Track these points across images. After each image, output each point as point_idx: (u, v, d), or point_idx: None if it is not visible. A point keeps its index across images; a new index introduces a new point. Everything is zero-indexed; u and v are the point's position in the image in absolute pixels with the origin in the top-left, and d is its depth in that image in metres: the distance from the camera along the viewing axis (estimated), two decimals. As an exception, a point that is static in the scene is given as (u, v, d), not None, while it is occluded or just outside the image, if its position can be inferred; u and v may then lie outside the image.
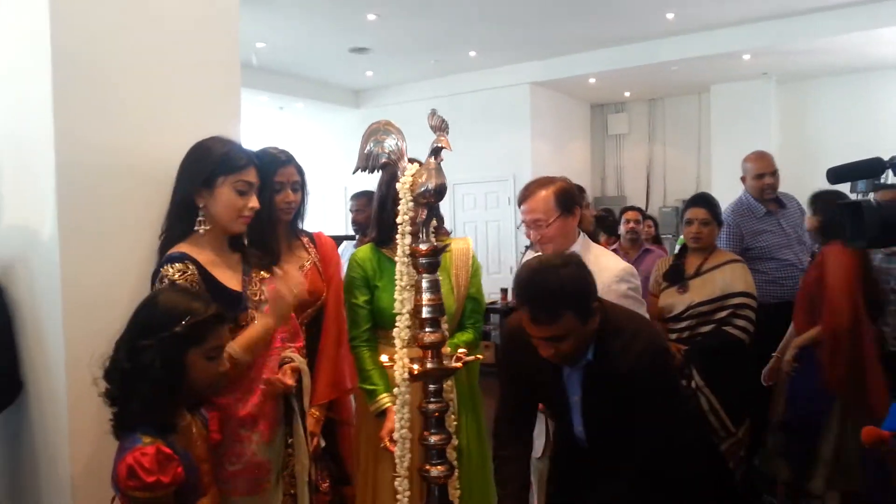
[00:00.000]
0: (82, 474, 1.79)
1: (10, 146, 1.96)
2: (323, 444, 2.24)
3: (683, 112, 8.32)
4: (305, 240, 2.40)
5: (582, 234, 2.40)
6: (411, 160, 1.70)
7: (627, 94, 8.33)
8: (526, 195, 2.37)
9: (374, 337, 2.33)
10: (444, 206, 4.46)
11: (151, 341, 1.45)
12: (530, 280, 1.73)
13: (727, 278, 2.99)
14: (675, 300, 3.05)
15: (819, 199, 3.20)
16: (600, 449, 1.94)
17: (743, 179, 3.73)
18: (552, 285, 1.70)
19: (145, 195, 1.94)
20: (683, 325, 3.00)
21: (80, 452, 1.79)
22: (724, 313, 2.93)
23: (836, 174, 1.64)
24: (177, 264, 1.74)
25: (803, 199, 3.41)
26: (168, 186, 1.85)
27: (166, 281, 1.71)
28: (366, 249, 2.36)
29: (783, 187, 3.72)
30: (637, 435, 1.85)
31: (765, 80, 7.39)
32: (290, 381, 1.88)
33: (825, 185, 1.94)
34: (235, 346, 1.76)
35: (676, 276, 3.11)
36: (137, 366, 1.44)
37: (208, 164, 1.81)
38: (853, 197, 1.53)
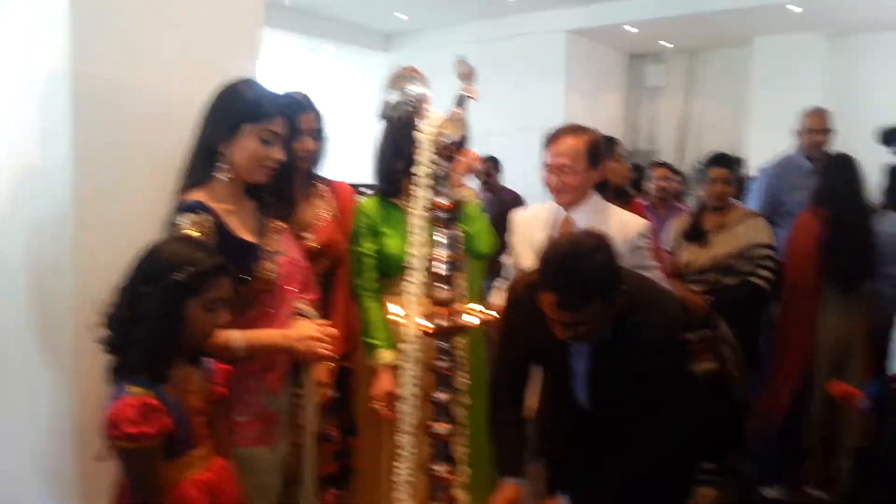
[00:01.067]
0: (88, 421, 1.77)
1: (25, 83, 1.91)
2: (334, 395, 2.24)
3: (725, 66, 7.98)
4: (324, 188, 2.35)
5: (594, 192, 2.32)
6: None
7: (667, 44, 8.03)
8: (556, 139, 2.28)
9: (379, 286, 2.29)
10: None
11: (151, 289, 1.43)
12: (562, 265, 1.64)
13: (749, 231, 3.12)
14: (697, 255, 3.14)
15: (825, 161, 3.25)
16: (603, 414, 1.91)
17: (797, 134, 3.69)
18: (586, 274, 1.62)
19: (162, 134, 1.89)
20: (708, 277, 3.10)
21: (87, 398, 1.78)
22: (749, 266, 3.06)
23: (887, 135, 1.53)
24: (191, 214, 1.69)
25: None
26: (184, 126, 1.79)
27: (178, 230, 1.67)
28: (371, 199, 2.31)
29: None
30: (642, 405, 1.82)
31: (814, 34, 7.04)
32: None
33: (873, 146, 1.84)
34: (240, 338, 1.71)
35: (697, 234, 3.17)
36: (136, 313, 1.43)
37: (235, 110, 1.74)
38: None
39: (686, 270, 3.17)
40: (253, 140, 1.75)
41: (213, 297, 1.51)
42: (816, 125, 3.62)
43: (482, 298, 2.44)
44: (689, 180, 7.77)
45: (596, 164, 2.26)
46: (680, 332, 1.85)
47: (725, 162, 3.24)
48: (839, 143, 3.63)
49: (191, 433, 1.52)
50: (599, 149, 2.29)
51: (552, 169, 2.27)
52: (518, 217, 2.48)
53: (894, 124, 1.46)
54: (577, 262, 1.63)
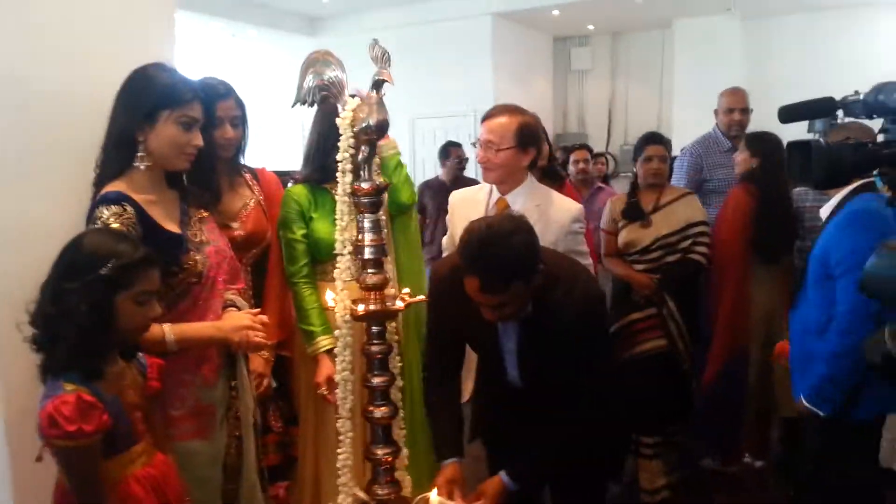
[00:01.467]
0: (16, 421, 1.73)
1: None
2: (274, 384, 2.22)
3: (647, 48, 8.20)
4: (248, 176, 2.31)
5: (530, 176, 2.35)
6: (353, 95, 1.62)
7: (591, 27, 8.17)
8: (490, 115, 2.31)
9: (312, 272, 2.28)
10: (403, 142, 4.36)
11: (76, 284, 1.39)
12: (481, 251, 1.66)
13: (687, 210, 3.21)
14: (639, 235, 3.19)
15: (755, 139, 3.34)
16: (535, 391, 1.96)
17: (716, 112, 3.82)
18: (505, 257, 1.65)
19: (73, 126, 1.81)
20: (652, 255, 3.18)
21: (14, 397, 1.72)
22: (687, 242, 3.17)
23: (787, 112, 1.61)
24: (113, 206, 1.63)
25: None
26: (98, 115, 1.72)
27: (99, 223, 1.61)
28: (300, 186, 2.29)
29: (749, 125, 3.77)
30: (570, 377, 1.88)
31: (729, 15, 7.29)
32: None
33: (786, 126, 1.92)
34: (172, 332, 1.68)
35: (637, 213, 3.22)
36: (62, 309, 1.38)
37: (151, 96, 1.68)
38: (811, 137, 1.51)
39: (628, 250, 3.23)
40: (171, 126, 1.70)
41: (143, 290, 1.47)
42: (734, 104, 3.75)
43: (422, 279, 2.45)
44: (617, 161, 7.99)
45: (525, 147, 2.27)
46: (599, 305, 1.91)
47: (660, 139, 3.31)
48: (757, 122, 3.78)
49: (130, 429, 1.50)
50: (532, 132, 2.30)
51: (481, 144, 2.30)
52: (455, 198, 2.49)
53: (794, 102, 1.53)
54: (495, 247, 1.66)
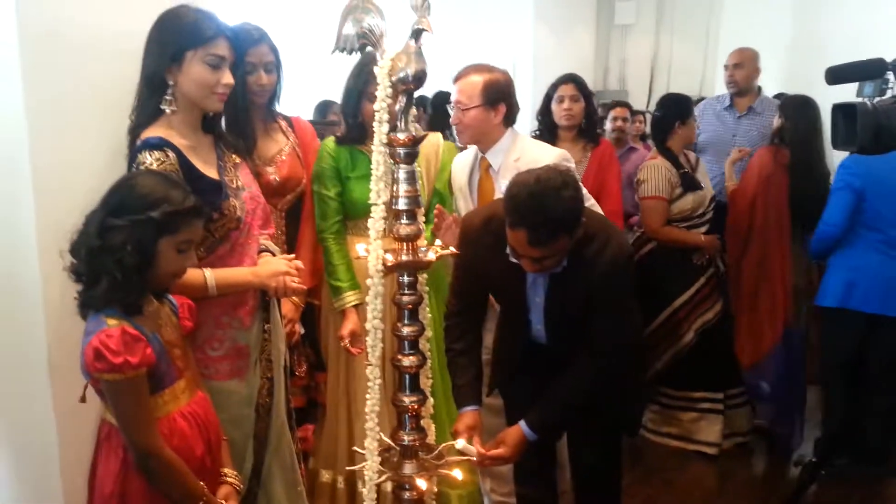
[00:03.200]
0: (60, 356, 1.77)
1: None
2: (302, 330, 2.27)
3: (694, 4, 7.92)
4: (283, 124, 2.32)
5: (510, 131, 2.33)
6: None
7: (637, -20, 7.93)
8: (458, 76, 2.30)
9: (342, 228, 2.31)
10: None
11: (124, 222, 1.41)
12: (531, 204, 1.67)
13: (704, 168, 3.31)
14: (701, 198, 3.19)
15: (784, 102, 3.29)
16: (558, 345, 1.98)
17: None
18: (555, 212, 1.67)
19: (111, 68, 1.82)
20: (708, 217, 3.23)
21: (57, 333, 1.77)
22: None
23: (835, 74, 1.56)
24: (156, 152, 1.65)
25: (814, 98, 3.33)
26: (135, 59, 1.73)
27: (143, 168, 1.63)
28: (335, 143, 2.30)
29: (794, 86, 3.69)
30: (595, 331, 1.91)
31: (783, -29, 7.00)
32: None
33: (834, 89, 1.85)
34: (211, 276, 1.72)
35: (694, 182, 3.20)
36: (107, 244, 1.40)
37: (176, 36, 1.68)
38: (860, 101, 1.47)
39: (692, 213, 3.20)
40: (198, 65, 1.69)
41: (186, 239, 1.49)
42: (728, 60, 3.80)
43: None
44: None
45: (493, 104, 2.25)
46: (629, 262, 1.92)
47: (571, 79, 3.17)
48: (808, 85, 3.67)
49: (171, 366, 1.53)
50: (499, 88, 2.26)
51: (454, 105, 2.28)
52: (455, 160, 2.51)
53: (842, 63, 1.48)
54: (545, 200, 1.67)
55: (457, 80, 2.28)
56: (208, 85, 1.72)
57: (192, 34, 1.68)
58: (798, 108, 3.14)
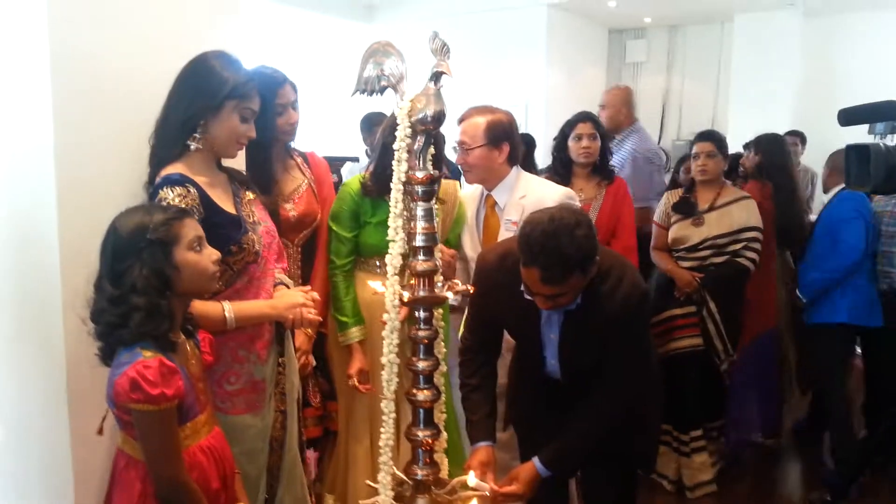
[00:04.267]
0: (79, 387, 1.77)
1: (3, 63, 1.86)
2: (314, 363, 2.29)
3: (705, 42, 8.01)
4: (300, 160, 2.37)
5: (515, 170, 2.38)
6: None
7: (648, 19, 8.03)
8: (462, 117, 2.37)
9: (353, 267, 2.35)
10: (452, 130, 4.41)
11: (131, 260, 1.43)
12: (545, 243, 1.69)
13: (742, 213, 3.21)
14: (690, 232, 3.22)
15: (756, 140, 3.67)
16: (573, 382, 1.99)
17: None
18: (569, 250, 1.69)
19: (141, 108, 1.85)
20: (699, 255, 3.21)
21: (77, 365, 1.75)
22: (737, 246, 3.18)
23: (848, 115, 1.59)
24: (177, 188, 1.69)
25: (824, 137, 3.56)
26: (160, 99, 1.78)
27: (165, 204, 1.66)
28: (359, 190, 2.32)
29: (805, 122, 3.94)
30: (609, 368, 1.92)
31: (791, 11, 7.08)
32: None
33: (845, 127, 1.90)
34: (232, 309, 1.75)
35: (688, 209, 3.24)
36: (126, 286, 1.43)
37: (220, 86, 1.73)
38: (871, 139, 1.49)
39: (677, 246, 3.25)
40: (234, 116, 1.76)
41: (193, 238, 1.51)
42: (602, 101, 4.05)
43: None
44: (669, 157, 7.86)
45: (496, 143, 2.31)
46: (644, 300, 1.93)
47: (709, 136, 3.33)
48: (818, 123, 3.77)
49: (196, 400, 1.55)
50: (502, 128, 2.33)
51: (458, 146, 2.33)
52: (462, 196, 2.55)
53: (855, 105, 1.51)
54: (559, 239, 1.69)
55: (461, 121, 2.35)
56: (237, 134, 1.79)
57: (235, 88, 1.74)
58: (771, 143, 3.56)
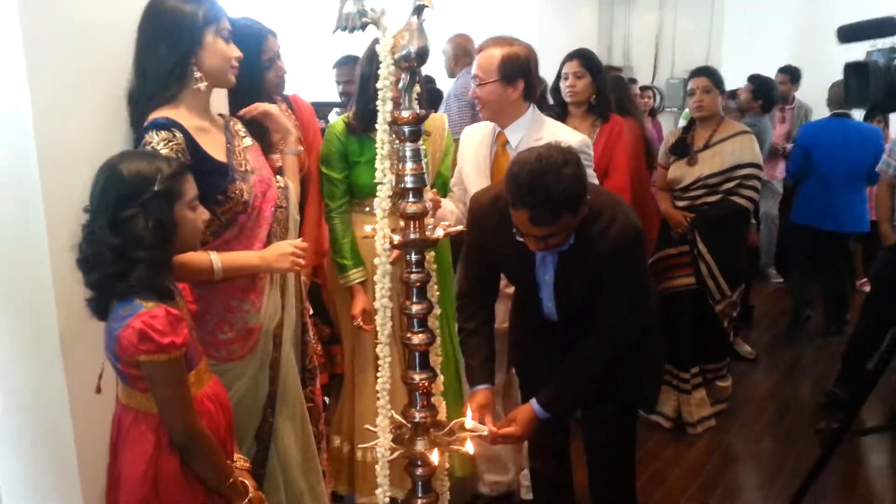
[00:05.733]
0: (74, 347, 1.75)
1: None
2: (310, 311, 2.28)
3: (698, -24, 7.82)
4: (283, 106, 2.32)
5: (533, 107, 2.28)
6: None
7: (640, -46, 7.83)
8: (480, 48, 2.26)
9: (348, 208, 2.32)
10: (441, 71, 4.35)
11: (135, 208, 1.39)
12: (533, 183, 1.66)
13: (736, 150, 3.13)
14: (683, 172, 3.19)
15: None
16: (570, 323, 1.98)
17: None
18: (556, 189, 1.65)
19: (108, 47, 1.78)
20: (692, 194, 3.17)
21: (70, 326, 1.73)
22: (731, 184, 3.11)
23: (846, 32, 1.53)
24: (162, 132, 1.64)
25: (821, 70, 3.43)
26: (129, 37, 1.71)
27: (149, 148, 1.62)
28: (345, 130, 2.28)
29: (802, 57, 3.79)
30: (604, 308, 1.90)
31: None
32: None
33: (843, 59, 1.84)
34: (219, 260, 1.71)
35: (683, 149, 3.21)
36: (129, 236, 1.39)
37: (193, 21, 1.68)
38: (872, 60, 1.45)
39: (672, 186, 3.23)
40: (218, 41, 1.72)
41: (192, 196, 1.50)
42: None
43: None
44: (663, 95, 7.74)
45: (511, 79, 2.18)
46: (637, 239, 1.89)
47: (703, 71, 3.27)
48: (809, 57, 3.67)
49: (195, 348, 1.54)
50: (518, 63, 2.19)
51: (473, 79, 2.24)
52: (465, 134, 2.46)
53: (851, 22, 1.45)
54: (546, 178, 1.65)
55: (478, 52, 2.24)
56: (228, 58, 1.75)
57: (206, 15, 1.70)
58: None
